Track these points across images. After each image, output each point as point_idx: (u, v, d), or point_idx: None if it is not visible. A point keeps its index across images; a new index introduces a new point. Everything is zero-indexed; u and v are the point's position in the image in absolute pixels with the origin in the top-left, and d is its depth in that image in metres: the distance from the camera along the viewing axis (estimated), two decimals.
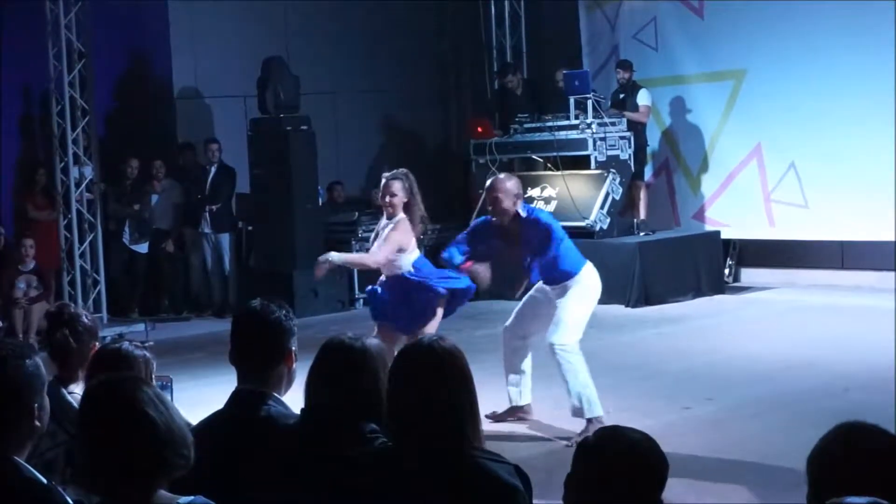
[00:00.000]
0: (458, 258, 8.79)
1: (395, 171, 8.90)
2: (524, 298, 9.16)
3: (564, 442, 8.32)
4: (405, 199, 8.65)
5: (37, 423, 3.19)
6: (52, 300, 13.16)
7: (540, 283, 8.93)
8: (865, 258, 14.59)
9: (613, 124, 14.96)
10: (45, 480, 3.13)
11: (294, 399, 4.10)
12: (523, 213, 8.68)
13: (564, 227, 14.26)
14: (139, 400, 2.96)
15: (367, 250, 9.10)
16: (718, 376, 10.21)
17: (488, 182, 9.02)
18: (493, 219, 8.76)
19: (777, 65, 14.74)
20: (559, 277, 8.76)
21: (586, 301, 8.82)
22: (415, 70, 18.17)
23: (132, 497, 2.92)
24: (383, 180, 8.83)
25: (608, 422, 7.22)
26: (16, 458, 3.12)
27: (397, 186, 8.66)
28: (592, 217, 14.46)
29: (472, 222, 9.61)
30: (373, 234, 9.09)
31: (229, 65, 16.14)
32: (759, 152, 15.06)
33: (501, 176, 8.99)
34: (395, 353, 3.80)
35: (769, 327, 12.60)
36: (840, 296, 13.90)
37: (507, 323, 9.16)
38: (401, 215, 8.66)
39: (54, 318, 5.29)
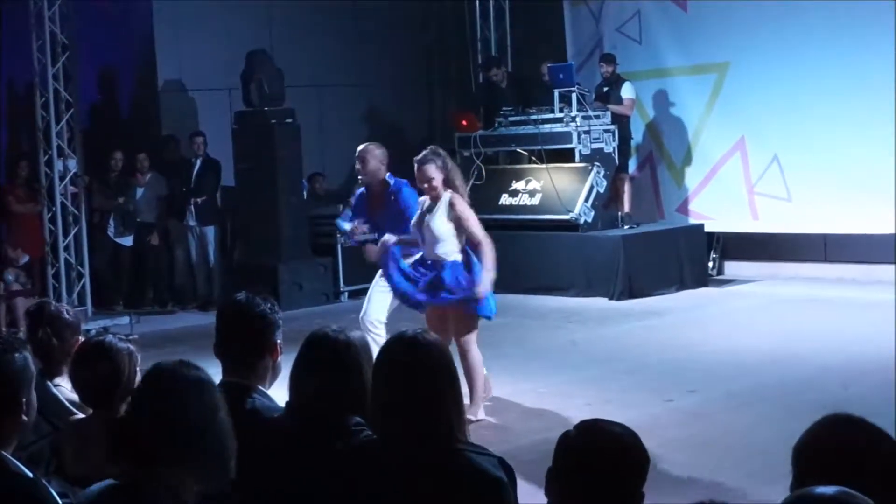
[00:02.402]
0: (344, 225, 9.87)
1: (423, 152, 8.69)
2: (374, 284, 9.40)
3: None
4: (443, 177, 8.49)
5: (24, 417, 3.19)
6: (37, 293, 13.14)
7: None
8: (848, 251, 14.63)
9: (598, 117, 14.97)
10: (30, 474, 3.13)
11: (279, 392, 4.11)
12: (391, 182, 9.37)
13: (549, 220, 14.59)
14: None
15: (418, 235, 8.70)
16: (701, 369, 10.23)
17: (359, 148, 9.59)
18: (364, 188, 9.53)
19: (760, 58, 14.77)
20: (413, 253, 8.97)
21: None
22: (399, 63, 18.16)
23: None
24: (415, 165, 8.61)
25: (592, 414, 7.24)
26: (3, 452, 3.12)
27: (431, 170, 8.48)
28: (577, 210, 14.48)
29: (353, 197, 9.95)
30: (414, 219, 8.69)
31: (214, 58, 16.08)
32: (743, 145, 15.08)
33: (371, 144, 9.64)
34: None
35: (752, 320, 12.64)
36: (823, 288, 13.94)
37: (363, 311, 9.36)
38: (448, 193, 8.48)
39: (34, 317, 5.29)
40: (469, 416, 8.45)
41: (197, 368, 3.17)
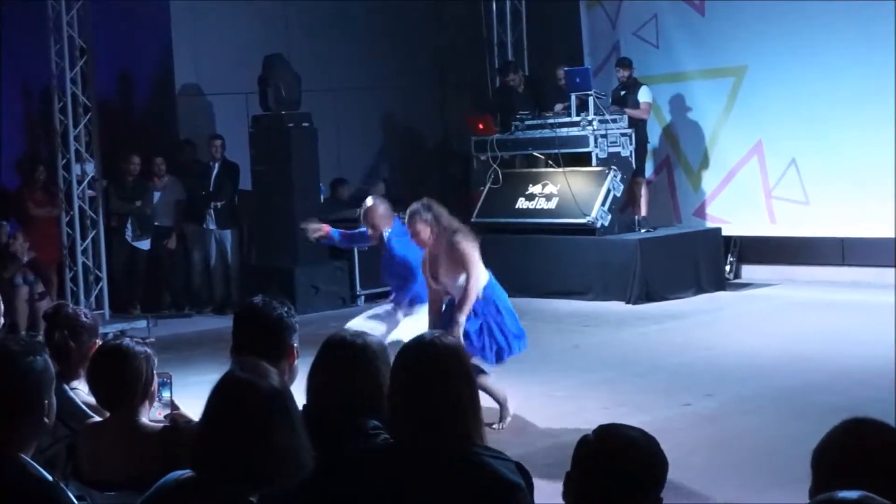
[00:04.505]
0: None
1: (411, 206, 8.68)
2: (373, 311, 9.67)
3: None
4: (432, 230, 8.52)
5: (45, 419, 3.20)
6: (54, 297, 13.16)
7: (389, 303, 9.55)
8: (865, 254, 14.59)
9: (615, 121, 14.94)
10: (49, 477, 3.14)
11: (295, 396, 4.11)
12: (386, 240, 9.31)
13: (565, 224, 14.58)
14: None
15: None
16: (718, 372, 10.22)
17: (365, 206, 9.45)
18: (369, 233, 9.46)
19: (778, 61, 14.73)
20: (415, 300, 9.15)
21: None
22: (415, 67, 18.17)
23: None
24: (406, 217, 8.69)
25: (608, 418, 7.23)
26: (22, 455, 3.13)
27: (420, 225, 8.54)
28: (594, 214, 14.47)
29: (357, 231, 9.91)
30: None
31: (231, 62, 16.13)
32: (760, 149, 15.05)
33: (371, 203, 9.45)
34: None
35: (769, 323, 12.61)
36: (840, 292, 13.90)
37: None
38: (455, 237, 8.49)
39: (51, 319, 5.31)
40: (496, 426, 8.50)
41: (271, 378, 3.19)
